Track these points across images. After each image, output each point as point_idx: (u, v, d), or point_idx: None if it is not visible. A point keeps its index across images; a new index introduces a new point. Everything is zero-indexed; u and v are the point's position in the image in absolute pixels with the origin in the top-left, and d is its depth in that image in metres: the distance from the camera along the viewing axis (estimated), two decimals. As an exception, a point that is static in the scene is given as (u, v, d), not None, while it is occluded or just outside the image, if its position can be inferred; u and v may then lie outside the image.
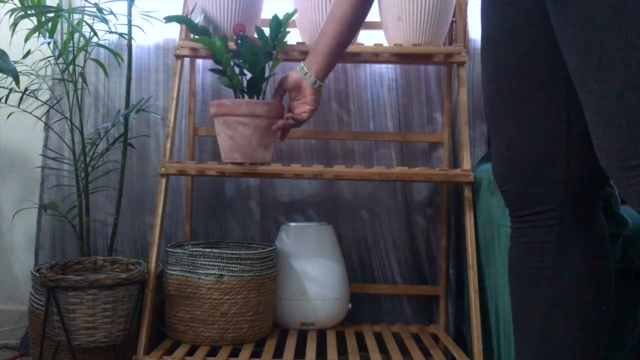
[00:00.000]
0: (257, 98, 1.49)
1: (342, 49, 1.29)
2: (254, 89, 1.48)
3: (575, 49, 0.78)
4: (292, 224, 1.69)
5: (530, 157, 0.92)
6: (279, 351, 1.48)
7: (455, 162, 1.77)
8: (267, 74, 1.49)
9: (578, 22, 0.77)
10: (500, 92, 0.95)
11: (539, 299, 0.94)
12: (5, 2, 1.53)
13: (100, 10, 1.56)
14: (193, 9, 1.58)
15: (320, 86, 1.32)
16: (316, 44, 1.28)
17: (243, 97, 1.49)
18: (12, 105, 1.65)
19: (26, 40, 1.52)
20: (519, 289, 0.98)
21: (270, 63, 1.49)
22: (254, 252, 1.50)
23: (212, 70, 1.49)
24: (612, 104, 0.73)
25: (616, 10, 0.72)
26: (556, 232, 0.93)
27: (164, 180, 1.53)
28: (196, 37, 1.49)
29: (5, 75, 1.53)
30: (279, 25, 1.46)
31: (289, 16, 1.47)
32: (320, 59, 1.28)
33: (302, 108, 1.36)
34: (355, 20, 1.25)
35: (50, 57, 1.68)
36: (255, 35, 1.47)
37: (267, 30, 1.46)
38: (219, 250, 1.48)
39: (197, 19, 1.56)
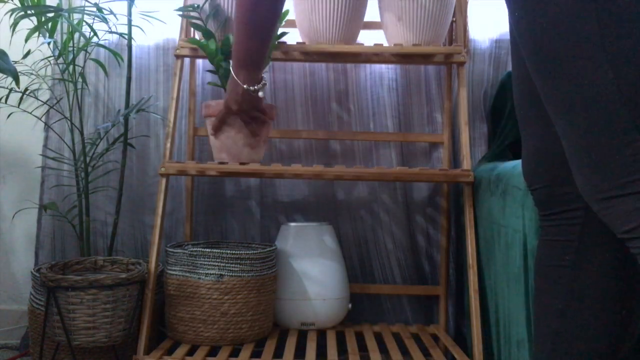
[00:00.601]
0: None
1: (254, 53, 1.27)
2: None
3: (542, 93, 0.81)
4: (292, 224, 1.69)
5: (558, 157, 0.93)
6: (279, 351, 1.48)
7: (455, 162, 1.77)
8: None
9: (533, 70, 0.81)
10: (529, 92, 0.95)
11: (557, 297, 0.95)
12: (5, 2, 1.53)
13: (100, 10, 1.56)
14: (200, 6, 1.58)
15: (254, 91, 1.32)
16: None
17: None
18: (12, 105, 1.65)
19: (26, 40, 1.52)
20: (541, 285, 0.99)
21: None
22: (254, 252, 1.50)
23: (210, 70, 1.50)
24: (577, 144, 0.77)
25: (555, 56, 0.75)
26: (578, 231, 0.93)
27: (164, 180, 1.53)
28: (195, 38, 1.50)
29: (5, 75, 1.53)
30: None
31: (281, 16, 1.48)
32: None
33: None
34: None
35: (50, 57, 1.68)
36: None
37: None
38: (219, 250, 1.48)
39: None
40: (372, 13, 1.68)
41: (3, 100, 1.61)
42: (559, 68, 0.76)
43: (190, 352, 1.44)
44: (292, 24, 1.71)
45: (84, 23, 1.62)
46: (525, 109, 0.98)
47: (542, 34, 0.77)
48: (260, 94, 1.33)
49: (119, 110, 1.73)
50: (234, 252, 1.48)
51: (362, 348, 1.52)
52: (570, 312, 0.93)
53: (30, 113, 1.69)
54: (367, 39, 1.71)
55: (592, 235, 0.92)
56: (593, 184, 0.77)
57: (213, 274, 1.46)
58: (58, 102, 1.75)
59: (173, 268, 1.50)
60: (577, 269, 0.93)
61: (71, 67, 1.63)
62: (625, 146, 0.72)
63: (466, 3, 1.70)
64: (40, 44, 1.70)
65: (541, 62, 0.78)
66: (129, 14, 1.62)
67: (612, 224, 0.77)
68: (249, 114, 1.38)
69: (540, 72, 0.79)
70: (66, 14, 1.52)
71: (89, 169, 1.65)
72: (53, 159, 1.73)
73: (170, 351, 1.46)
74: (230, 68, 1.30)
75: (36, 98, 1.67)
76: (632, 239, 0.74)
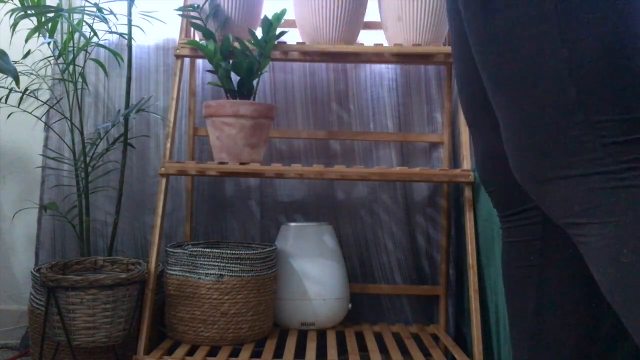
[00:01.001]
0: (250, 98, 1.51)
1: None
2: (243, 89, 1.51)
3: (488, 73, 0.80)
4: (292, 224, 1.69)
5: (506, 159, 0.92)
6: (279, 351, 1.48)
7: (455, 162, 1.77)
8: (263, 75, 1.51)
9: (483, 49, 0.78)
10: (476, 93, 0.95)
11: (528, 298, 0.95)
12: (5, 2, 1.53)
13: (100, 10, 1.56)
14: (200, 6, 1.58)
15: None
16: None
17: (234, 98, 1.50)
18: (12, 105, 1.65)
19: (26, 40, 1.52)
20: (510, 288, 0.99)
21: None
22: (254, 252, 1.50)
23: (210, 70, 1.50)
24: (520, 124, 0.76)
25: (507, 33, 0.74)
26: (540, 230, 0.93)
27: (164, 180, 1.53)
28: (195, 38, 1.50)
29: (5, 75, 1.53)
30: (270, 26, 1.48)
31: (278, 16, 1.49)
32: None
33: None
34: None
35: (50, 57, 1.68)
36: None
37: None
38: (219, 250, 1.48)
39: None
40: (372, 13, 1.69)
41: (3, 100, 1.61)
42: (510, 44, 0.74)
43: (190, 352, 1.44)
44: (292, 24, 1.71)
45: (84, 23, 1.62)
46: (474, 111, 0.97)
47: (493, 14, 0.75)
48: None
49: (119, 110, 1.73)
50: (234, 252, 1.48)
51: (362, 348, 1.52)
52: (544, 310, 0.93)
53: (30, 113, 1.69)
54: (367, 39, 1.71)
55: (554, 232, 0.92)
56: (534, 166, 0.75)
57: (213, 274, 1.46)
58: (58, 102, 1.75)
59: (173, 268, 1.50)
60: (544, 267, 0.93)
61: (71, 67, 1.63)
62: (571, 127, 0.71)
63: (466, 3, 1.70)
64: (40, 44, 1.70)
65: (492, 40, 0.76)
66: (129, 14, 1.62)
67: (552, 209, 0.75)
68: None
69: (490, 51, 0.77)
70: (66, 14, 1.52)
71: (89, 169, 1.65)
72: (53, 159, 1.73)
73: (170, 351, 1.46)
74: None
75: (36, 98, 1.67)
76: (574, 225, 0.73)
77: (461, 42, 0.95)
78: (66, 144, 1.76)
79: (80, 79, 1.67)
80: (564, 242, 0.92)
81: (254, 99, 1.55)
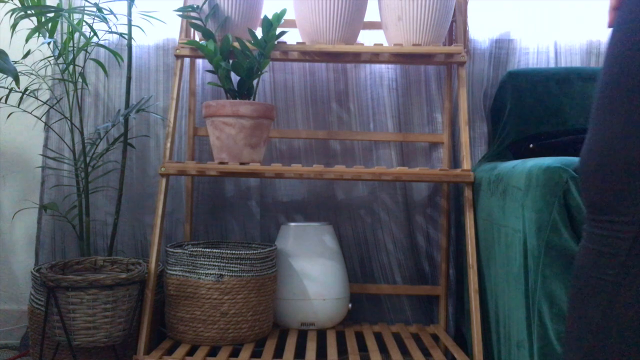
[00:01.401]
0: (250, 98, 1.52)
1: None
2: (243, 89, 1.51)
3: None
4: (292, 224, 1.69)
5: (626, 158, 0.86)
6: (279, 351, 1.48)
7: (455, 162, 1.77)
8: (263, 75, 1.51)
9: None
10: (615, 82, 0.87)
11: (595, 312, 0.89)
12: (5, 2, 1.53)
13: (100, 10, 1.56)
14: (199, 6, 1.58)
15: None
16: None
17: (234, 98, 1.51)
18: (12, 105, 1.65)
19: (26, 40, 1.52)
20: (577, 295, 0.92)
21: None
22: (254, 252, 1.50)
23: (210, 70, 1.50)
24: None
25: None
26: (628, 247, 0.86)
27: (164, 180, 1.53)
28: (194, 38, 1.50)
29: (5, 75, 1.53)
30: (270, 26, 1.48)
31: (278, 16, 1.49)
32: None
33: None
34: None
35: (50, 57, 1.69)
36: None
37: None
38: (219, 250, 1.48)
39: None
40: (372, 13, 1.69)
41: (3, 100, 1.61)
42: None
43: (190, 352, 1.44)
44: (292, 24, 1.72)
45: (84, 23, 1.62)
46: (606, 97, 0.88)
47: None
48: None
49: (119, 110, 1.73)
50: (234, 252, 1.48)
51: (362, 348, 1.52)
52: (606, 330, 0.87)
53: (30, 113, 1.70)
54: (367, 39, 1.71)
55: None
56: None
57: (213, 274, 1.46)
58: (58, 102, 1.76)
59: (173, 268, 1.50)
60: (620, 286, 0.86)
61: (71, 67, 1.63)
62: None
63: (466, 3, 1.70)
64: (40, 44, 1.70)
65: None
66: (129, 14, 1.62)
67: None
68: None
69: None
70: (66, 14, 1.52)
71: (89, 169, 1.65)
72: (53, 159, 1.73)
73: (170, 351, 1.46)
74: None
75: (36, 98, 1.67)
76: None
77: None
78: (66, 144, 1.76)
79: (80, 79, 1.67)
80: None
81: (254, 99, 1.56)
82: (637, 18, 0.89)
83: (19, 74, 1.43)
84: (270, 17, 1.50)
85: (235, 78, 1.59)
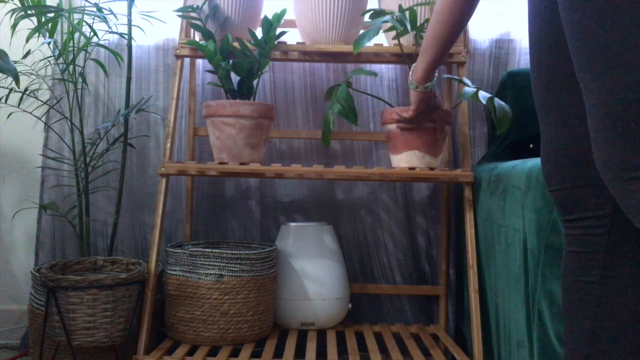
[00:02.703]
0: (250, 98, 1.52)
1: (442, 49, 1.15)
2: (243, 89, 1.51)
3: (574, 37, 0.72)
4: (292, 224, 1.69)
5: (581, 153, 0.85)
6: (279, 351, 1.48)
7: (455, 162, 1.77)
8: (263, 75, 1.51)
9: (575, 8, 0.72)
10: (551, 80, 0.88)
11: (585, 317, 0.86)
12: (5, 2, 1.53)
13: (100, 10, 1.56)
14: (199, 6, 1.58)
15: (425, 88, 1.28)
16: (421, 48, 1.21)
17: (235, 98, 1.51)
18: (12, 105, 1.65)
19: (26, 40, 1.52)
20: (567, 303, 0.90)
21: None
22: (254, 252, 1.50)
23: (210, 70, 1.51)
24: (612, 109, 0.68)
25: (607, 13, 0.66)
26: (604, 242, 0.84)
27: (164, 180, 1.53)
28: (195, 39, 1.50)
29: (5, 75, 1.53)
30: (270, 26, 1.48)
31: (278, 16, 1.49)
32: (420, 62, 1.21)
33: (407, 109, 1.41)
34: (455, 19, 1.10)
35: (50, 57, 1.68)
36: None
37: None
38: (219, 250, 1.48)
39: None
40: (372, 13, 1.68)
41: (3, 100, 1.61)
42: (609, 23, 0.66)
43: (190, 352, 1.44)
44: (292, 24, 1.71)
45: (84, 23, 1.62)
46: (546, 97, 0.89)
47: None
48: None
49: (119, 110, 1.73)
50: (234, 252, 1.48)
51: (362, 348, 1.52)
52: (599, 334, 0.84)
53: (30, 113, 1.69)
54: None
55: (619, 246, 0.83)
56: (623, 159, 0.67)
57: (213, 274, 1.46)
58: (58, 102, 1.75)
59: (173, 268, 1.50)
60: (605, 285, 0.83)
61: (71, 67, 1.63)
62: None
63: (466, 3, 1.70)
64: (41, 44, 1.70)
65: (588, 24, 0.69)
66: (129, 14, 1.62)
67: (636, 211, 0.68)
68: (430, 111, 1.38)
69: (586, 14, 0.70)
70: (66, 14, 1.52)
71: (89, 169, 1.65)
72: (53, 159, 1.73)
73: (170, 351, 1.46)
74: (413, 79, 1.27)
75: (36, 98, 1.67)
76: None
77: (547, 20, 0.88)
78: (66, 144, 1.76)
79: (80, 79, 1.67)
80: (631, 259, 0.83)
81: (254, 99, 1.56)
82: (533, 11, 0.91)
83: (19, 74, 1.43)
84: (270, 17, 1.50)
85: (235, 78, 1.59)
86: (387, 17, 1.40)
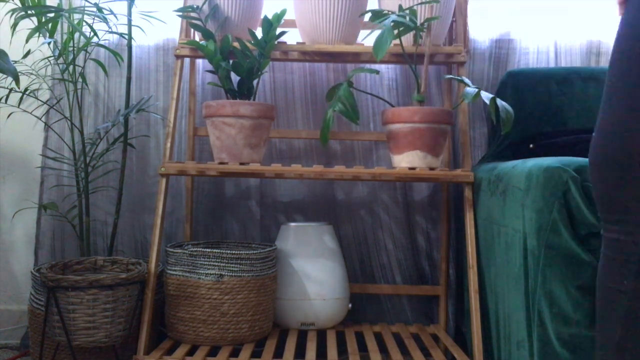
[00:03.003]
0: (250, 98, 1.52)
1: None
2: (243, 89, 1.51)
3: None
4: (292, 224, 1.69)
5: (631, 151, 0.80)
6: (279, 351, 1.48)
7: (455, 162, 1.77)
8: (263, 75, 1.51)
9: None
10: (629, 60, 0.82)
11: (614, 325, 0.83)
12: (5, 2, 1.53)
13: (100, 10, 1.56)
14: (199, 7, 1.58)
15: None
16: None
17: (235, 98, 1.51)
18: (12, 105, 1.65)
19: (26, 40, 1.52)
20: (599, 308, 0.88)
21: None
22: (254, 252, 1.50)
23: (210, 70, 1.51)
24: None
25: None
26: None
27: (164, 180, 1.53)
28: (195, 38, 1.50)
29: (5, 75, 1.53)
30: (270, 26, 1.48)
31: (278, 16, 1.49)
32: None
33: None
34: None
35: (50, 57, 1.69)
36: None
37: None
38: (219, 250, 1.48)
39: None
40: (372, 13, 1.68)
41: (3, 100, 1.61)
42: None
43: (190, 352, 1.44)
44: (292, 24, 1.71)
45: (84, 23, 1.62)
46: (616, 78, 0.83)
47: None
48: None
49: (119, 110, 1.73)
50: (234, 252, 1.48)
51: (362, 348, 1.52)
52: (627, 346, 0.81)
53: (30, 113, 1.69)
54: (367, 38, 1.71)
55: None
56: None
57: (213, 274, 1.46)
58: (58, 102, 1.75)
59: (173, 268, 1.50)
60: (636, 299, 0.80)
61: (71, 67, 1.63)
62: None
63: (466, 3, 1.70)
64: (41, 44, 1.70)
65: None
66: (129, 14, 1.62)
67: None
68: None
69: None
70: (66, 14, 1.52)
71: (89, 169, 1.65)
72: (53, 159, 1.73)
73: (170, 351, 1.46)
74: None
75: (36, 98, 1.67)
76: None
77: None
78: (66, 144, 1.76)
79: (80, 79, 1.67)
80: None
81: (254, 99, 1.56)
82: None
83: (19, 74, 1.43)
84: (270, 17, 1.50)
85: (235, 78, 1.59)
86: (394, 17, 1.39)
